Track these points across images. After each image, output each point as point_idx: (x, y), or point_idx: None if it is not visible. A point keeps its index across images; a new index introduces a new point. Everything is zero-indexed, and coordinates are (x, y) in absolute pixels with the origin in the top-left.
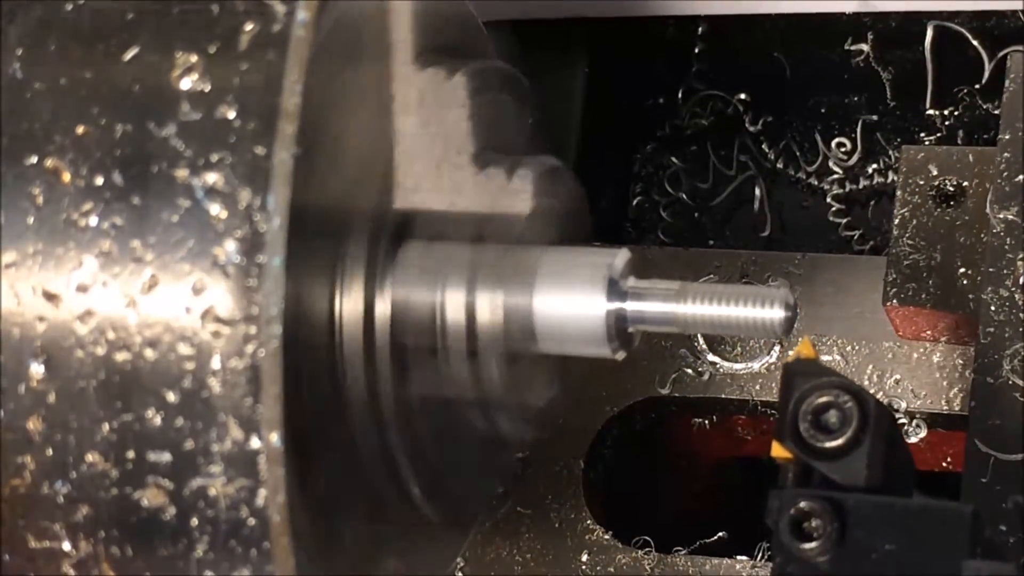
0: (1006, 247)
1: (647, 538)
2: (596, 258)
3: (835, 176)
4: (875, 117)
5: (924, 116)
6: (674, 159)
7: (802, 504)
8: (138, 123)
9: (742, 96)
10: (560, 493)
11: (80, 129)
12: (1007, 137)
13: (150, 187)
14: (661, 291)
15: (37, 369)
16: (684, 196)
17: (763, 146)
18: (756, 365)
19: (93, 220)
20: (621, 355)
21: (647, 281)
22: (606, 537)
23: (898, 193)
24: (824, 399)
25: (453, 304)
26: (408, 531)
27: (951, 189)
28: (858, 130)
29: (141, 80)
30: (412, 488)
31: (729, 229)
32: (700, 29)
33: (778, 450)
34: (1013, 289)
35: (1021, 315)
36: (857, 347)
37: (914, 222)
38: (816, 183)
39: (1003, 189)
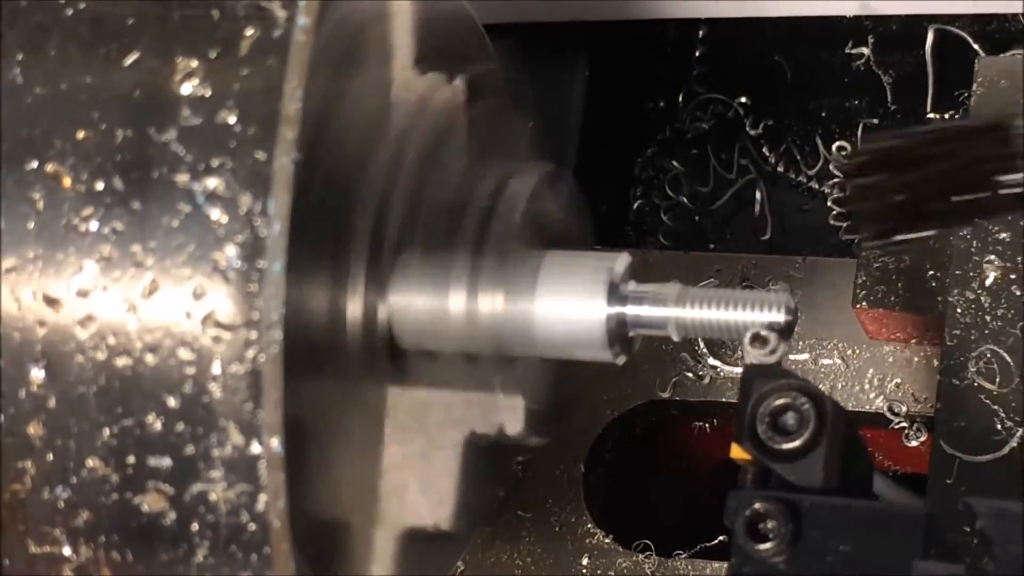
0: (972, 250)
1: (647, 541)
2: (596, 262)
3: (836, 180)
4: (876, 120)
5: (925, 119)
6: (674, 162)
7: (757, 505)
8: (139, 128)
9: (743, 99)
10: (560, 496)
11: (80, 134)
12: None
13: (151, 192)
14: (662, 295)
15: (37, 374)
16: (684, 199)
17: (764, 149)
18: None
19: (93, 225)
20: (622, 359)
21: (648, 285)
22: (606, 541)
23: None
24: (782, 401)
25: (454, 308)
26: (409, 535)
27: None
28: (859, 133)
29: (142, 85)
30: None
31: (730, 232)
32: (700, 32)
33: (737, 451)
34: (979, 291)
35: (987, 318)
36: (858, 350)
37: None
38: (817, 186)
39: None
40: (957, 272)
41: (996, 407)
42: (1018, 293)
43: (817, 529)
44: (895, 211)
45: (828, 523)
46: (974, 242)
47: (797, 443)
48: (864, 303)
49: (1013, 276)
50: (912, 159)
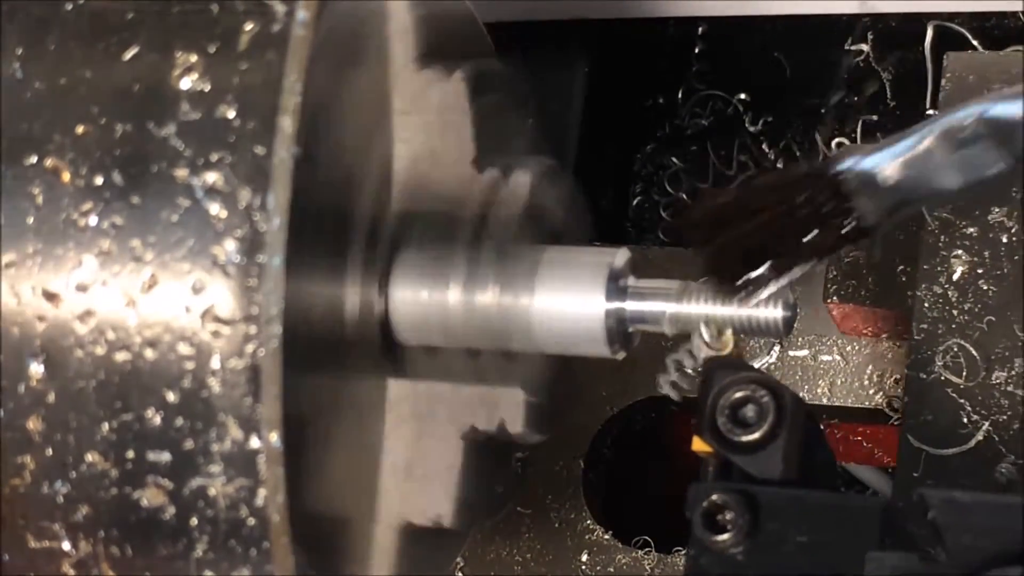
0: (940, 245)
1: (647, 538)
2: (596, 258)
3: None
4: (875, 117)
5: (924, 116)
6: (674, 159)
7: (715, 497)
8: (138, 123)
9: (742, 96)
10: (560, 493)
11: (80, 129)
12: None
13: (150, 187)
14: (661, 291)
15: (37, 369)
16: (684, 196)
17: (763, 146)
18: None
19: (93, 220)
20: (621, 355)
21: (647, 281)
22: (606, 537)
23: None
24: (741, 394)
25: (453, 303)
26: (408, 530)
27: None
28: (858, 130)
29: (141, 80)
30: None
31: None
32: (700, 29)
33: (699, 444)
34: (946, 286)
35: (954, 312)
36: (857, 347)
37: None
38: None
39: None
40: (925, 267)
41: (963, 401)
42: (985, 287)
43: (775, 520)
44: (737, 262)
45: (786, 514)
46: (942, 237)
47: (756, 435)
48: (834, 297)
49: (980, 271)
50: (745, 211)
